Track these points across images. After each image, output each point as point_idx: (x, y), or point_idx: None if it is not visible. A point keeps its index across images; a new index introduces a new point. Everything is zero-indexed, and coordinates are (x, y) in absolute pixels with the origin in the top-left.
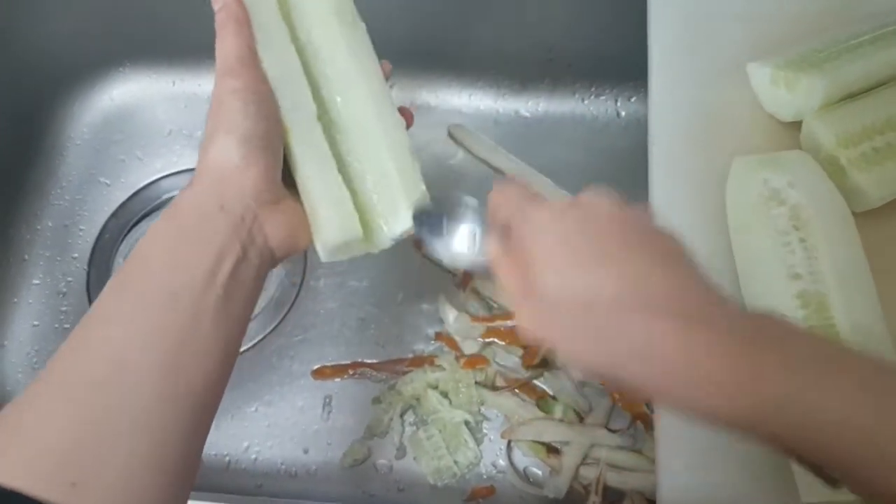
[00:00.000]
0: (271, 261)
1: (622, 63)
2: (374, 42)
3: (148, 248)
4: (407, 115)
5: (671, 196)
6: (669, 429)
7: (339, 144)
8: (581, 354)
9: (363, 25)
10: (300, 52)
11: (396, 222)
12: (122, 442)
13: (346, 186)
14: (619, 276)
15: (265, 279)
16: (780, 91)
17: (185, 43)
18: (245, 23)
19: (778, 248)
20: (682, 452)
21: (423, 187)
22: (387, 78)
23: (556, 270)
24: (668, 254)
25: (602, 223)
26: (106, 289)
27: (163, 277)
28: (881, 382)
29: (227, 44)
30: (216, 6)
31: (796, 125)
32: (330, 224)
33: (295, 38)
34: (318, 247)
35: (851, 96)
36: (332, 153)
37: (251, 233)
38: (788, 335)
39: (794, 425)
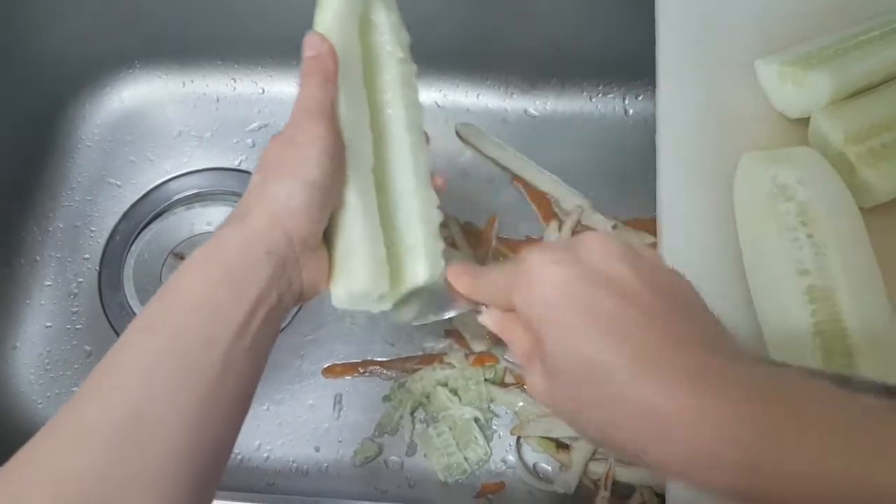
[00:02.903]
0: (298, 299)
1: (630, 61)
2: None
3: (186, 285)
4: (439, 182)
5: (679, 193)
6: None
7: (379, 203)
8: (591, 428)
9: (421, 106)
10: (371, 110)
11: (395, 290)
12: (133, 495)
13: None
14: (629, 347)
15: (285, 318)
16: (788, 88)
17: (195, 44)
18: (332, 78)
19: (786, 243)
20: None
21: (442, 267)
22: (439, 190)
23: (562, 340)
24: (677, 309)
25: (612, 283)
26: (136, 323)
27: (198, 321)
28: None
29: (312, 92)
30: (308, 52)
31: (804, 122)
32: (360, 272)
33: (370, 99)
34: (338, 292)
35: (859, 92)
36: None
37: (290, 279)
38: (809, 399)
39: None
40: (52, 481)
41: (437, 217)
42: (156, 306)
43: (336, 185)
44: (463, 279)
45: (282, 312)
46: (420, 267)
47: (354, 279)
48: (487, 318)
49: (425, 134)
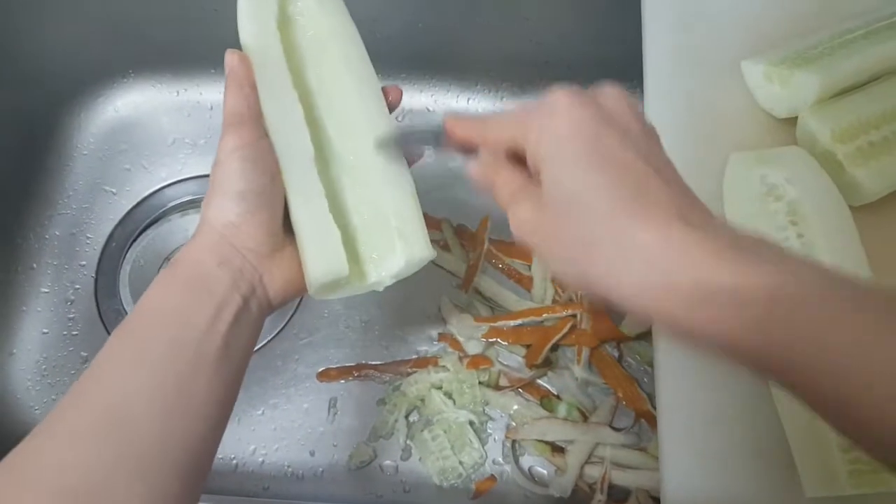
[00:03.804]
0: (269, 309)
1: (618, 64)
2: (372, 46)
3: (151, 300)
4: (395, 92)
5: None
6: (673, 426)
7: (342, 185)
8: (574, 262)
9: (367, 64)
10: (308, 95)
11: (388, 265)
12: (121, 488)
13: (343, 227)
14: (623, 180)
15: (262, 325)
16: (775, 87)
17: (189, 53)
18: (245, 82)
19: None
20: (685, 449)
21: (423, 241)
22: (396, 104)
23: (565, 172)
24: (666, 165)
25: (618, 125)
26: (111, 337)
27: (165, 327)
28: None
29: (227, 104)
30: (226, 69)
31: (792, 121)
32: (315, 262)
33: (302, 84)
34: (307, 285)
35: (846, 91)
36: (329, 193)
37: (252, 284)
38: (786, 256)
39: (800, 345)
40: (44, 477)
41: (407, 184)
42: (129, 318)
43: (273, 184)
44: (464, 121)
45: (255, 315)
46: (394, 238)
47: (311, 269)
48: (475, 165)
49: (396, 90)
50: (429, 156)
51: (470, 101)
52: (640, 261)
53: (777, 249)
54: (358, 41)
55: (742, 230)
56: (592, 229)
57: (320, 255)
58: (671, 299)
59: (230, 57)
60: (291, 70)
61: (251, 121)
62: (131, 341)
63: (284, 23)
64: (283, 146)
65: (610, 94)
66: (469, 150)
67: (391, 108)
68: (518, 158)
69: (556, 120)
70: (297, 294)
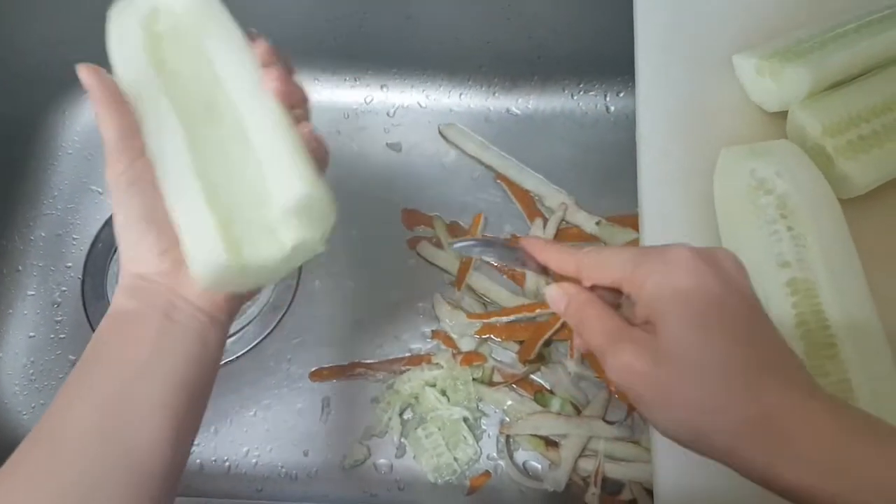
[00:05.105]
0: (210, 319)
1: (610, 59)
2: (361, 42)
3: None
4: (262, 47)
5: (660, 188)
6: None
7: (217, 165)
8: (688, 424)
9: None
10: (181, 83)
11: (267, 244)
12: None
13: (222, 209)
14: (753, 350)
15: (221, 345)
16: (766, 81)
17: None
18: (111, 102)
19: (766, 236)
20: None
21: (301, 190)
22: (268, 60)
23: (688, 328)
24: (777, 334)
25: (735, 292)
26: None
27: (111, 345)
28: None
29: (101, 131)
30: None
31: (783, 115)
32: (192, 254)
33: (173, 72)
34: (197, 283)
35: (836, 85)
36: (205, 177)
37: (167, 300)
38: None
39: None
40: (38, 483)
41: (281, 137)
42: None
43: (155, 201)
44: (553, 249)
45: (187, 330)
46: (272, 209)
47: (190, 264)
48: (560, 294)
49: (258, 42)
50: (420, 154)
51: (462, 97)
52: (777, 434)
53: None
54: (223, 19)
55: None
56: (719, 396)
57: (193, 246)
58: (812, 474)
59: (82, 74)
60: (167, 84)
61: (124, 141)
62: (97, 363)
63: (154, 41)
64: (156, 148)
65: (727, 255)
66: (546, 271)
67: (265, 63)
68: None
69: (676, 272)
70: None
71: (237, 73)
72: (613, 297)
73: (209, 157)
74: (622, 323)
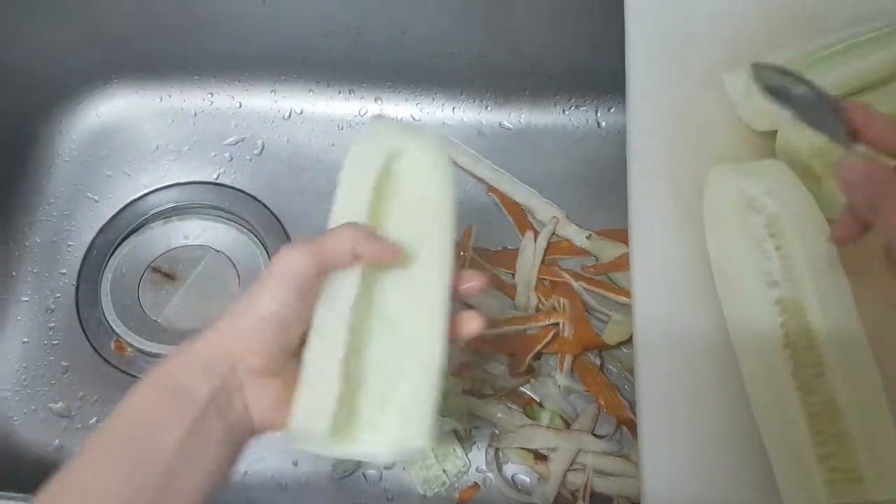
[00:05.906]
0: (249, 429)
1: (601, 75)
2: (357, 55)
3: (132, 404)
4: (477, 278)
5: (650, 204)
6: (653, 433)
7: (374, 343)
8: None
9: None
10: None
11: (365, 442)
12: None
13: (348, 390)
14: None
15: (239, 451)
16: (756, 100)
17: (172, 59)
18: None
19: (755, 255)
20: (666, 458)
21: (423, 437)
22: (470, 290)
23: None
24: None
25: None
26: (99, 429)
27: (136, 438)
28: None
29: (328, 240)
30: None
31: (772, 134)
32: (301, 407)
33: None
34: (286, 427)
35: None
36: (354, 346)
37: (230, 397)
38: None
39: None
40: None
41: (434, 372)
42: (112, 417)
43: (298, 322)
44: (877, 115)
45: (225, 433)
46: (394, 419)
47: (294, 413)
48: (859, 163)
49: (474, 276)
50: None
51: (455, 111)
52: None
53: None
54: (451, 213)
55: None
56: None
57: (308, 402)
58: None
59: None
60: (373, 220)
61: (320, 257)
62: (109, 443)
63: (384, 177)
64: (329, 286)
65: None
66: (854, 138)
67: (458, 292)
68: None
69: None
70: (266, 430)
71: (429, 275)
72: None
73: (363, 335)
74: None
